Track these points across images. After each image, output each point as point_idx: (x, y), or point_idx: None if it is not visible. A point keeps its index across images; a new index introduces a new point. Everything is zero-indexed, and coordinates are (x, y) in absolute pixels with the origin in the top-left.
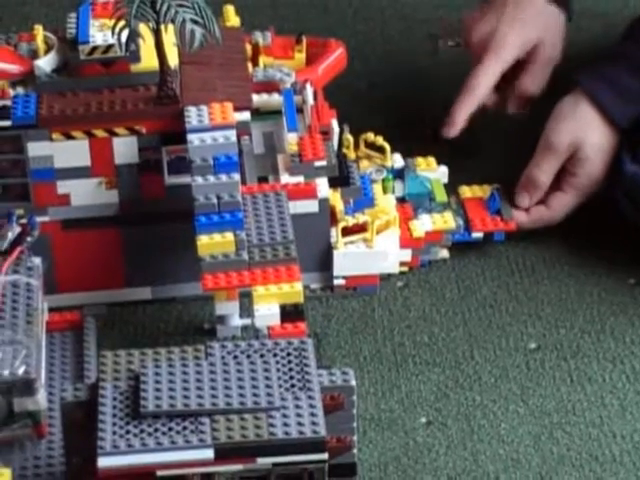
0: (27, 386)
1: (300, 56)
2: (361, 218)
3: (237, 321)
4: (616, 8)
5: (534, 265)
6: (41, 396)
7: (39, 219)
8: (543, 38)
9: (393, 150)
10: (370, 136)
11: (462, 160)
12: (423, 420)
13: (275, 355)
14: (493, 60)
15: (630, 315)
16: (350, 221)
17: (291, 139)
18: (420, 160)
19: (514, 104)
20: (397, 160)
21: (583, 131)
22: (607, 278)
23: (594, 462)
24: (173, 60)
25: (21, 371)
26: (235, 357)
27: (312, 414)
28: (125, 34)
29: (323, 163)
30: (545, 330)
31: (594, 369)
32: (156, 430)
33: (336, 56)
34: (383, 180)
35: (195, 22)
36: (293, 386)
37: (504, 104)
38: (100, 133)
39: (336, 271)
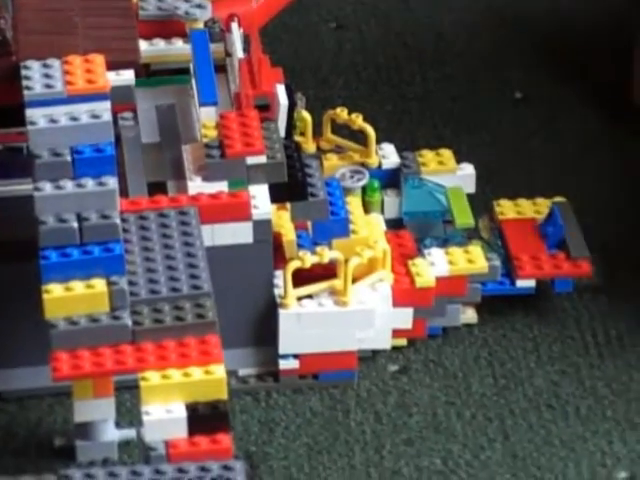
0: None
1: None
2: (327, 254)
3: (112, 433)
4: None
5: (622, 334)
6: None
7: None
8: None
9: (381, 138)
10: (342, 113)
11: (507, 150)
12: None
13: None
14: None
15: None
16: (308, 260)
17: (206, 118)
18: (428, 154)
19: None
20: (389, 155)
21: None
22: None
23: None
24: None
25: None
26: None
27: None
28: None
29: (261, 160)
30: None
31: None
32: None
33: None
34: (365, 189)
35: None
36: None
37: None
38: None
39: (283, 346)
